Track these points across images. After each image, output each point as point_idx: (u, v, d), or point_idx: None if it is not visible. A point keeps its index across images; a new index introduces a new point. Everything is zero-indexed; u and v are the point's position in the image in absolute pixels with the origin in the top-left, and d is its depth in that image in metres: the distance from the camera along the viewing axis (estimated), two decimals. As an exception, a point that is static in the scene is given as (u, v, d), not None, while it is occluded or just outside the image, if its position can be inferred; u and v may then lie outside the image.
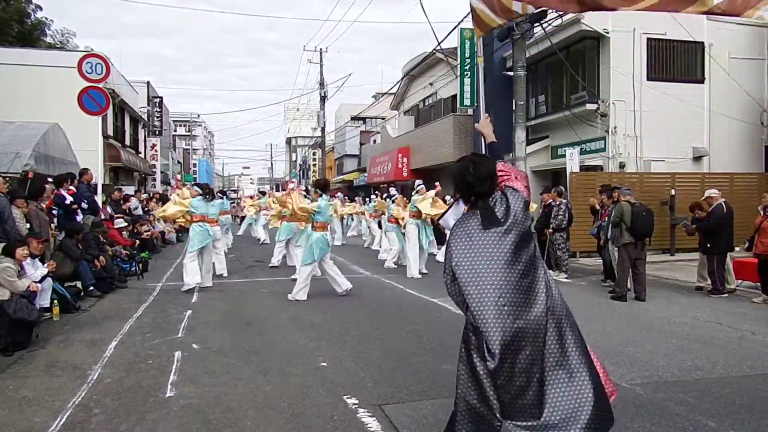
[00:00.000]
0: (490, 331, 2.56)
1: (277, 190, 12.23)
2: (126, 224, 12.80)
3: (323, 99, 35.07)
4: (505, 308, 2.59)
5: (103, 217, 11.39)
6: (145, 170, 30.61)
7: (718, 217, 9.02)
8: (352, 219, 23.75)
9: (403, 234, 12.06)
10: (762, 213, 8.70)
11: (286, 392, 4.61)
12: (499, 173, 2.88)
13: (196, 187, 10.42)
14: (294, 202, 8.77)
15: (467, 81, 19.10)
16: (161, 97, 33.69)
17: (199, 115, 71.73)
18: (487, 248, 2.67)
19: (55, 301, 7.27)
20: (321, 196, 8.89)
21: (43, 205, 8.56)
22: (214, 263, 10.52)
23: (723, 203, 9.09)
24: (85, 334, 6.62)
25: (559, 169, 16.25)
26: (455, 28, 17.17)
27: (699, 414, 4.12)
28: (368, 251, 14.72)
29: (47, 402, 4.42)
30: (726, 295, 8.95)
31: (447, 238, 2.83)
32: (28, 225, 7.64)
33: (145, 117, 31.09)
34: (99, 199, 11.69)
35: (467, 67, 19.12)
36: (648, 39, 15.29)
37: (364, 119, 41.26)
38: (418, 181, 12.73)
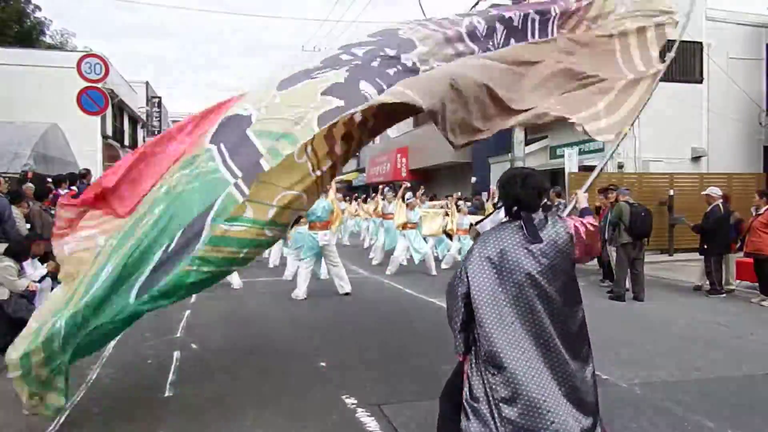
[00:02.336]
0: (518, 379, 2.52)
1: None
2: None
3: (322, 99, 34.93)
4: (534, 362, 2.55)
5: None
6: (144, 170, 30.53)
7: (716, 217, 9.02)
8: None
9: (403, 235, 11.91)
10: (754, 213, 8.74)
11: (285, 392, 4.62)
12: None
13: None
14: None
15: (466, 81, 19.08)
16: (160, 97, 33.67)
17: (198, 115, 71.52)
18: (518, 270, 2.59)
19: (54, 301, 7.26)
20: None
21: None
22: None
23: (720, 204, 9.10)
24: (84, 334, 6.61)
25: (557, 170, 16.25)
26: (454, 28, 17.15)
27: (698, 414, 4.13)
28: (368, 252, 14.72)
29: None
30: (724, 295, 8.97)
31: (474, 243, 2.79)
32: (28, 225, 7.63)
33: (144, 117, 31.07)
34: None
35: (466, 68, 19.10)
36: (647, 39, 15.28)
37: (363, 119, 41.12)
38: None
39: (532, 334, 2.56)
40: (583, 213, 3.04)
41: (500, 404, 2.51)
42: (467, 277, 2.64)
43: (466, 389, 2.66)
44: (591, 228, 2.75)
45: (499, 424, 2.49)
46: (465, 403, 2.64)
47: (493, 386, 2.53)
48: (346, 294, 8.87)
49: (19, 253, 6.46)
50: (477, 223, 3.02)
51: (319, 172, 3.42)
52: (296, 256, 9.85)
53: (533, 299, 2.57)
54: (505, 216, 2.79)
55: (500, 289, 2.59)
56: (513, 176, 2.77)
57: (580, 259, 2.74)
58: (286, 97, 3.93)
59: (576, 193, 3.34)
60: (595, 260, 11.50)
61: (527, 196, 2.69)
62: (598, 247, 2.85)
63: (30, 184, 8.74)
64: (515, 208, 2.71)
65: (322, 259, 9.22)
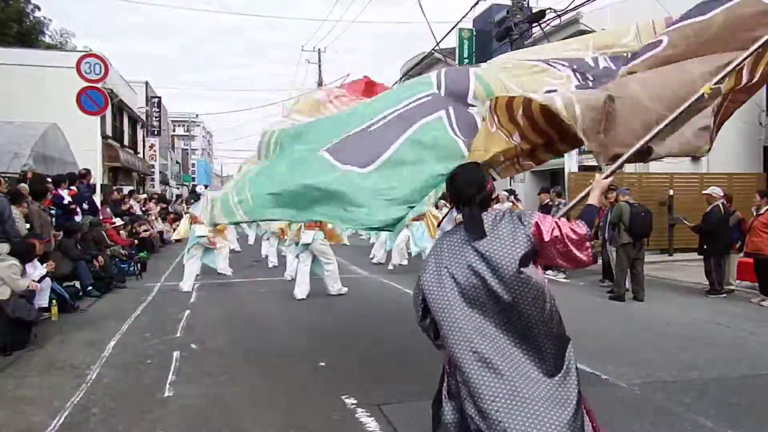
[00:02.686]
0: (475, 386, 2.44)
1: None
2: (122, 222, 12.80)
3: (322, 99, 35.03)
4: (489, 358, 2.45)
5: (102, 217, 11.39)
6: (144, 170, 30.61)
7: (717, 218, 9.02)
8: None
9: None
10: (754, 213, 8.75)
11: (285, 392, 4.62)
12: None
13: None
14: None
15: (466, 81, 19.08)
16: (159, 97, 33.68)
17: (197, 115, 71.50)
18: (467, 271, 2.52)
19: (54, 301, 7.27)
20: None
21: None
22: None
23: (720, 204, 9.10)
24: (84, 333, 6.62)
25: (557, 170, 16.25)
26: (453, 28, 17.16)
27: (697, 414, 4.13)
28: (368, 251, 14.72)
29: (46, 402, 4.42)
30: (724, 295, 8.96)
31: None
32: (27, 225, 7.63)
33: (143, 117, 31.08)
34: (97, 199, 11.69)
35: (466, 68, 19.11)
36: (646, 39, 15.28)
37: (362, 119, 41.17)
38: None
39: (485, 336, 2.49)
40: (583, 212, 2.81)
41: (464, 401, 2.51)
42: (422, 282, 2.64)
43: (445, 383, 2.68)
44: (571, 234, 2.54)
45: (468, 419, 2.51)
46: (444, 394, 2.66)
47: (459, 384, 2.55)
48: (339, 294, 8.86)
49: (24, 254, 6.48)
50: (438, 224, 3.01)
51: (513, 142, 3.29)
52: (293, 254, 9.90)
53: (484, 301, 2.50)
54: (457, 214, 2.74)
55: (451, 293, 2.54)
56: (454, 173, 2.73)
57: (547, 262, 2.63)
58: (513, 64, 4.01)
59: (595, 176, 3.02)
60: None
61: (466, 190, 2.62)
62: (581, 257, 2.58)
63: (24, 184, 8.75)
64: (460, 204, 2.65)
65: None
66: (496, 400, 2.41)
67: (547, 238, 2.52)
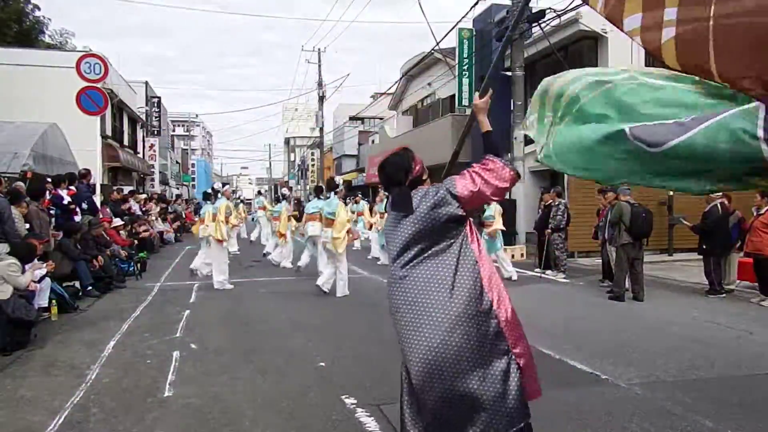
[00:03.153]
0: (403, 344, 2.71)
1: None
2: (122, 222, 12.81)
3: (321, 99, 35.10)
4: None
5: (102, 217, 11.38)
6: (144, 170, 30.60)
7: (716, 218, 9.03)
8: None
9: None
10: (755, 213, 8.75)
11: (285, 392, 4.61)
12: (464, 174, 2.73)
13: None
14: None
15: (465, 81, 19.12)
16: (159, 97, 33.67)
17: (197, 115, 71.56)
18: (392, 250, 2.77)
19: (54, 301, 7.27)
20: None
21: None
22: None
23: (719, 204, 9.10)
24: (84, 333, 6.62)
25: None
26: (453, 28, 17.18)
27: (697, 414, 4.13)
28: (367, 251, 14.74)
29: (45, 401, 4.42)
30: (724, 295, 8.97)
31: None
32: (27, 225, 7.63)
33: (143, 117, 31.07)
34: (97, 199, 11.69)
35: (465, 67, 19.13)
36: (646, 39, 15.27)
37: (362, 119, 41.26)
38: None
39: (406, 322, 2.64)
40: (487, 144, 2.83)
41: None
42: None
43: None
44: (490, 172, 2.67)
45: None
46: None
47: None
48: (343, 295, 8.87)
49: (24, 256, 6.48)
50: (385, 208, 3.19)
51: None
52: (309, 250, 10.78)
53: (400, 279, 2.68)
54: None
55: (391, 271, 2.76)
56: (382, 163, 2.88)
57: (481, 202, 2.78)
58: None
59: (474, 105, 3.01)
60: (596, 260, 11.51)
61: (395, 175, 2.80)
62: (506, 185, 2.70)
63: (20, 183, 8.74)
64: (390, 188, 2.82)
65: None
66: (411, 401, 2.80)
67: (476, 188, 2.68)
